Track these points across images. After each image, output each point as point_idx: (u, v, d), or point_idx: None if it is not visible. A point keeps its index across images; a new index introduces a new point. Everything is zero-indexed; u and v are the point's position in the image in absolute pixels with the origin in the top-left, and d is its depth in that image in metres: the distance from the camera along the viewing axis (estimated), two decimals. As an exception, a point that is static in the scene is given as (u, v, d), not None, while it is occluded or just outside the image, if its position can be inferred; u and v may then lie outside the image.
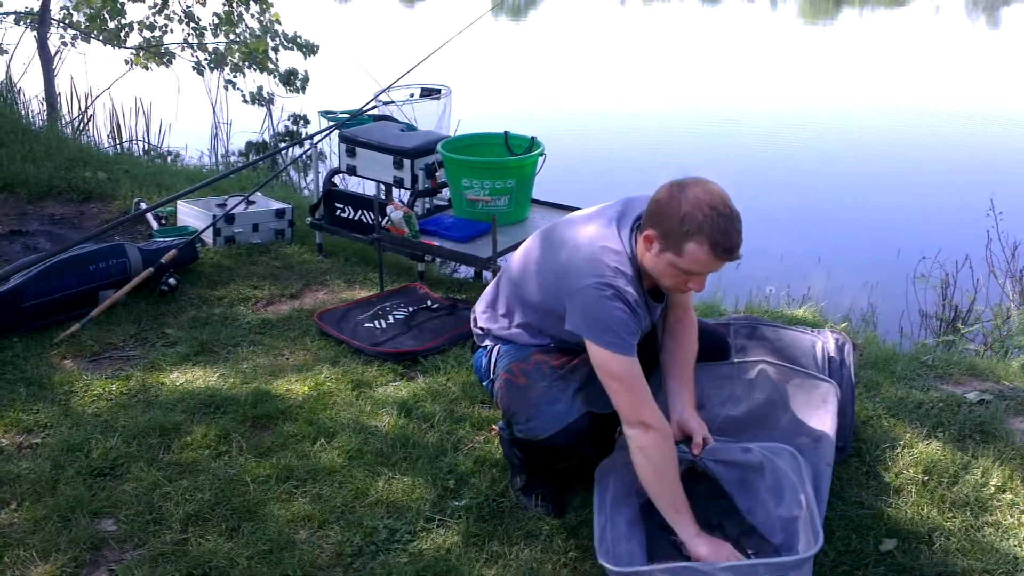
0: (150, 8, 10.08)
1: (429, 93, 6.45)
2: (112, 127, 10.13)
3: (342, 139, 5.53)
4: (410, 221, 4.77)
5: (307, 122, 10.93)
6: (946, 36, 22.29)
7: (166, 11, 10.12)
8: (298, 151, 8.85)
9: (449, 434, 3.47)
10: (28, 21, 9.79)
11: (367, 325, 4.36)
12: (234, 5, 10.07)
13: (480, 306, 3.12)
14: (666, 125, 11.87)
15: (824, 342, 3.47)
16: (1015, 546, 2.85)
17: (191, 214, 5.62)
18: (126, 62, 10.26)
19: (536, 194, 5.16)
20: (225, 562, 2.77)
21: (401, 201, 5.23)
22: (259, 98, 10.48)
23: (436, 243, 4.78)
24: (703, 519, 2.78)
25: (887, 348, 4.35)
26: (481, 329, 3.08)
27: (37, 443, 3.43)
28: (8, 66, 9.91)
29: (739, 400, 3.13)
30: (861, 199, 8.75)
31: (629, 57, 17.62)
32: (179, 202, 5.69)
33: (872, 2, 29.73)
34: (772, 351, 3.43)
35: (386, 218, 4.77)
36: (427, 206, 5.73)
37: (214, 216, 5.39)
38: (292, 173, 9.01)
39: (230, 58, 10.25)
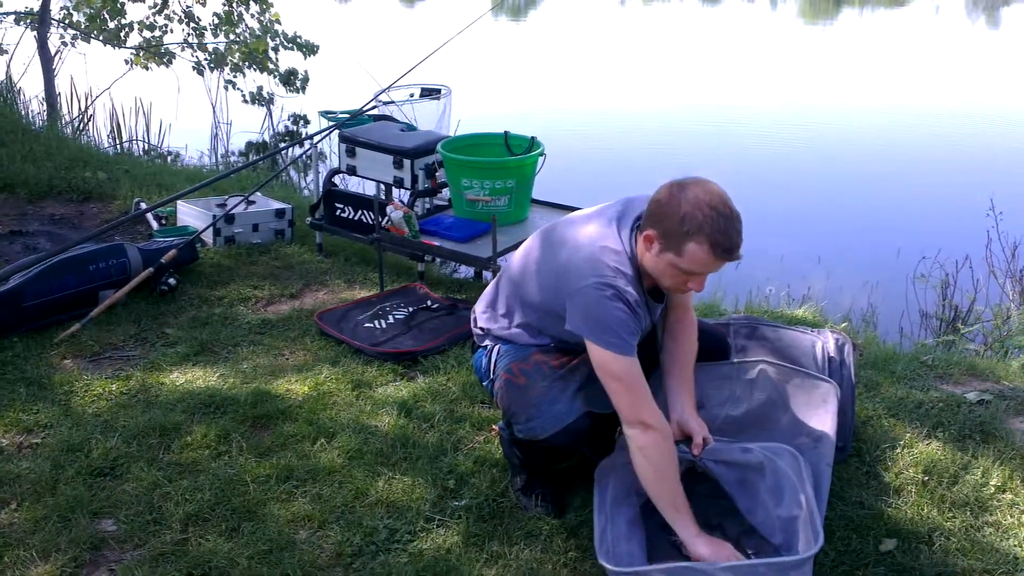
0: (150, 8, 10.08)
1: (429, 93, 6.45)
2: (112, 127, 10.13)
3: (342, 139, 5.53)
4: (410, 221, 4.77)
5: (307, 122, 10.93)
6: (946, 36, 22.29)
7: (166, 11, 10.12)
8: (298, 151, 8.85)
9: (449, 434, 3.47)
10: (28, 21, 9.79)
11: (367, 325, 4.36)
12: (234, 5, 10.07)
13: (480, 306, 3.12)
14: (666, 125, 11.87)
15: (824, 342, 3.47)
16: (1015, 546, 2.85)
17: (191, 214, 5.61)
18: (126, 62, 10.26)
19: (536, 194, 5.16)
20: (225, 562, 2.77)
21: (401, 201, 5.23)
22: (259, 98, 10.48)
23: (436, 243, 4.78)
24: (703, 519, 2.78)
25: (887, 348, 4.35)
26: (481, 329, 3.08)
27: (37, 443, 3.43)
28: (8, 66, 9.93)
29: (739, 400, 3.12)
30: (861, 199, 8.75)
31: (629, 57, 17.62)
32: (179, 202, 5.69)
33: (872, 2, 29.73)
34: (772, 351, 3.43)
35: (386, 218, 4.77)
36: (427, 206, 5.73)
37: (214, 216, 5.38)
38: (292, 173, 9.01)
39: (230, 58, 10.24)
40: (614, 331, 2.59)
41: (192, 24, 10.21)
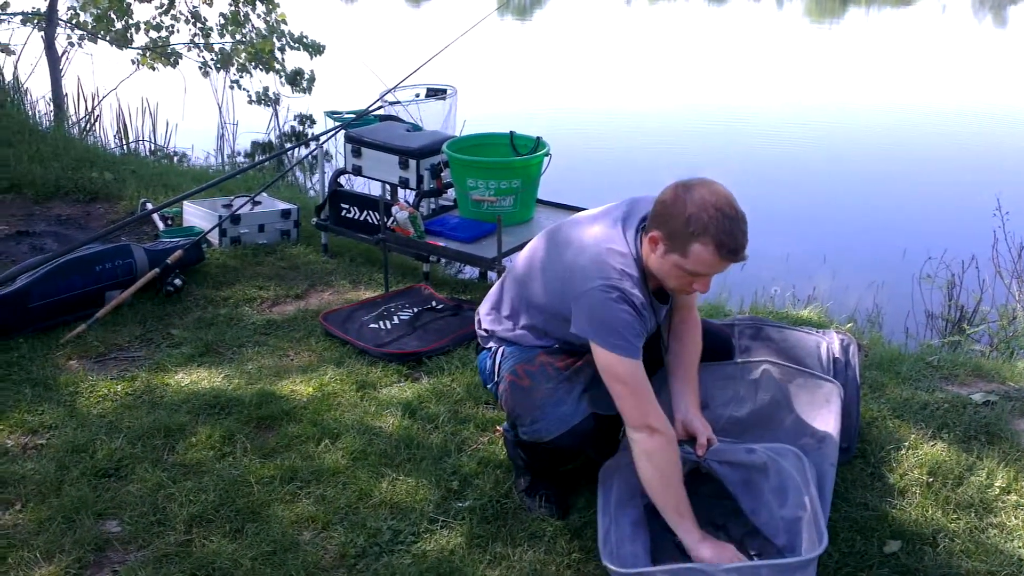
0: (157, 8, 10.09)
1: (435, 93, 6.46)
2: (119, 127, 10.15)
3: (348, 139, 5.54)
4: (415, 221, 4.77)
5: (313, 122, 10.95)
6: (953, 35, 22.24)
7: (172, 11, 10.13)
8: (304, 152, 8.86)
9: (453, 435, 3.48)
10: (35, 22, 9.80)
11: (372, 326, 4.37)
12: (240, 5, 10.08)
13: (484, 308, 3.12)
14: (672, 125, 11.86)
15: (829, 343, 3.47)
16: (1020, 547, 2.85)
17: (197, 215, 5.62)
18: (133, 62, 10.27)
19: (541, 194, 5.16)
20: (229, 563, 2.77)
21: (406, 201, 5.24)
22: (265, 98, 10.50)
23: (441, 243, 4.78)
24: (707, 519, 2.79)
25: (892, 349, 4.34)
26: (485, 331, 3.07)
27: (42, 444, 3.44)
28: (15, 67, 9.96)
29: (743, 400, 3.12)
30: (867, 199, 8.73)
31: (635, 57, 17.60)
32: (185, 203, 5.69)
33: (878, 1, 29.68)
34: (777, 352, 3.42)
35: (391, 218, 4.77)
36: (432, 206, 5.74)
37: (220, 217, 5.39)
38: (298, 173, 9.02)
39: (236, 58, 10.25)
40: (620, 334, 2.59)
41: (198, 24, 10.22)
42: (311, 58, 10.30)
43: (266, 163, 8.42)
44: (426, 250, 4.89)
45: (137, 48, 10.18)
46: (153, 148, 9.86)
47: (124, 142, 9.97)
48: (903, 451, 3.31)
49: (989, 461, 3.25)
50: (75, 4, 10.31)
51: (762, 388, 3.12)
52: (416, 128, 5.81)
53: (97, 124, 10.14)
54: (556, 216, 4.90)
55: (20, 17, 9.84)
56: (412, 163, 5.22)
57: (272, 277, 5.10)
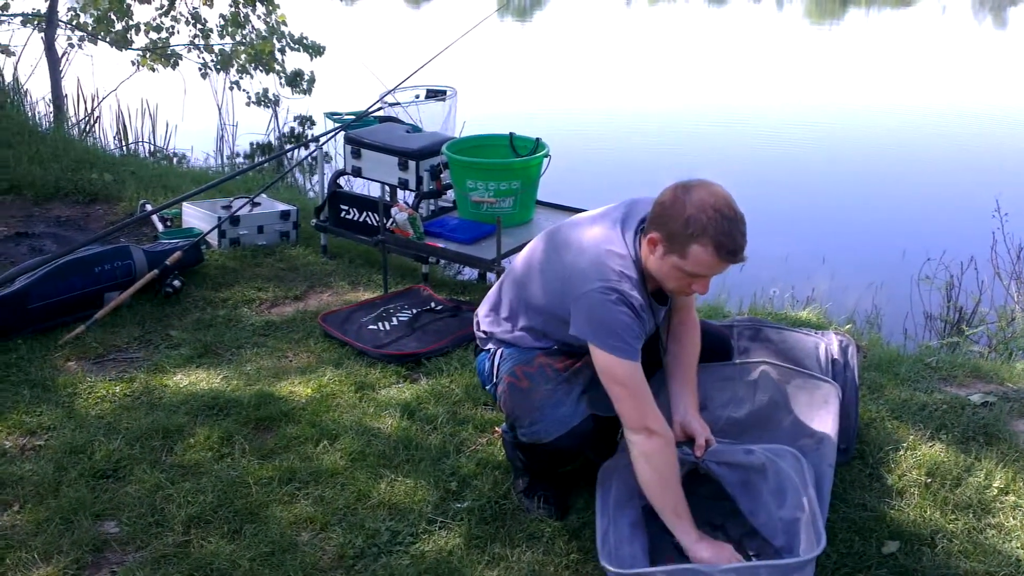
0: (157, 10, 10.10)
1: (435, 94, 6.46)
2: (118, 129, 10.16)
3: (347, 141, 5.54)
4: (415, 223, 4.77)
5: (313, 124, 10.95)
6: (953, 36, 22.25)
7: (172, 13, 10.13)
8: (303, 153, 8.86)
9: (452, 436, 3.48)
10: (35, 23, 9.80)
11: (371, 327, 4.37)
12: (240, 7, 10.08)
13: (483, 309, 3.12)
14: (671, 126, 11.86)
15: (828, 344, 3.47)
16: (1018, 548, 2.85)
17: (196, 216, 5.62)
18: (133, 64, 10.27)
19: (541, 195, 5.16)
20: (227, 564, 2.77)
21: (406, 203, 5.24)
22: (265, 100, 10.50)
23: (440, 245, 4.78)
24: (706, 520, 2.79)
25: (891, 350, 4.34)
26: (484, 333, 3.07)
27: (40, 445, 3.44)
28: (15, 68, 9.96)
29: (741, 401, 3.12)
30: (866, 200, 8.73)
31: (635, 58, 17.60)
32: (184, 204, 5.69)
33: (878, 2, 29.68)
34: (776, 353, 3.42)
35: (391, 220, 4.78)
36: (432, 208, 5.74)
37: (219, 218, 5.39)
38: (297, 175, 9.02)
39: (236, 60, 10.26)
40: (619, 335, 2.59)
41: (198, 26, 10.22)
42: (311, 59, 10.31)
43: (265, 164, 8.42)
44: (425, 251, 4.89)
45: (137, 49, 10.18)
46: (153, 149, 9.86)
47: (124, 143, 9.98)
48: (901, 452, 3.31)
49: (987, 462, 3.25)
50: (75, 5, 10.32)
51: (760, 389, 3.12)
52: (416, 129, 5.81)
53: (97, 125, 10.15)
54: (555, 217, 4.90)
55: (20, 18, 9.85)
56: (411, 164, 5.22)
57: (271, 278, 5.10)
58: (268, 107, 10.60)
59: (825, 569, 2.73)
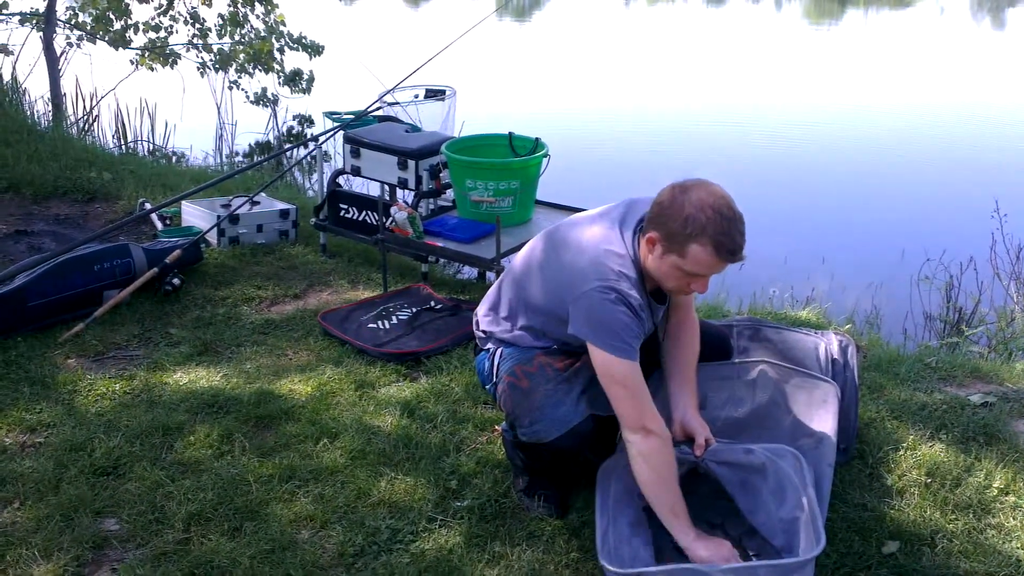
0: (155, 9, 10.09)
1: (434, 94, 6.46)
2: (117, 127, 10.15)
3: (347, 140, 5.54)
4: (414, 222, 4.77)
5: (312, 123, 10.94)
6: (951, 37, 22.26)
7: (171, 12, 10.12)
8: (303, 152, 8.86)
9: (452, 435, 3.48)
10: (34, 22, 9.79)
11: (371, 326, 4.37)
12: (239, 6, 10.07)
13: (482, 309, 3.12)
14: (670, 126, 11.87)
15: (827, 344, 3.47)
16: (1018, 548, 2.85)
17: (195, 214, 5.62)
18: (131, 63, 10.26)
19: (540, 195, 5.16)
20: (227, 562, 2.77)
21: (405, 202, 5.24)
22: (264, 99, 10.49)
23: (440, 244, 4.79)
24: (705, 520, 2.79)
25: (891, 350, 4.35)
26: (483, 332, 3.07)
27: (40, 442, 3.44)
28: (14, 67, 9.93)
29: (740, 401, 3.13)
30: (865, 200, 8.73)
31: (634, 58, 17.61)
32: (183, 202, 5.70)
33: (877, 3, 29.69)
34: (775, 353, 3.42)
35: (390, 219, 4.78)
36: (431, 207, 5.74)
37: (218, 216, 5.39)
38: (296, 174, 9.02)
39: (235, 59, 10.25)
40: (617, 335, 2.59)
41: (197, 25, 10.22)
42: (310, 59, 10.30)
43: (265, 163, 8.41)
44: (425, 250, 4.89)
45: (136, 49, 10.17)
46: (152, 148, 9.86)
47: (123, 142, 9.97)
48: (901, 452, 3.32)
49: (987, 462, 3.25)
50: (74, 4, 10.30)
51: (759, 388, 3.12)
52: (415, 129, 5.81)
53: (96, 124, 10.14)
54: (555, 217, 4.90)
55: (18, 17, 9.83)
56: (411, 164, 5.22)
57: (270, 277, 5.10)
58: (267, 106, 10.59)
59: (825, 569, 2.73)
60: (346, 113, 5.91)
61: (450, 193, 5.30)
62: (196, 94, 10.55)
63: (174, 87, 10.33)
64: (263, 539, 2.88)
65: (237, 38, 10.25)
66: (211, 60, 10.32)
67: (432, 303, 4.63)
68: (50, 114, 9.39)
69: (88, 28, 10.04)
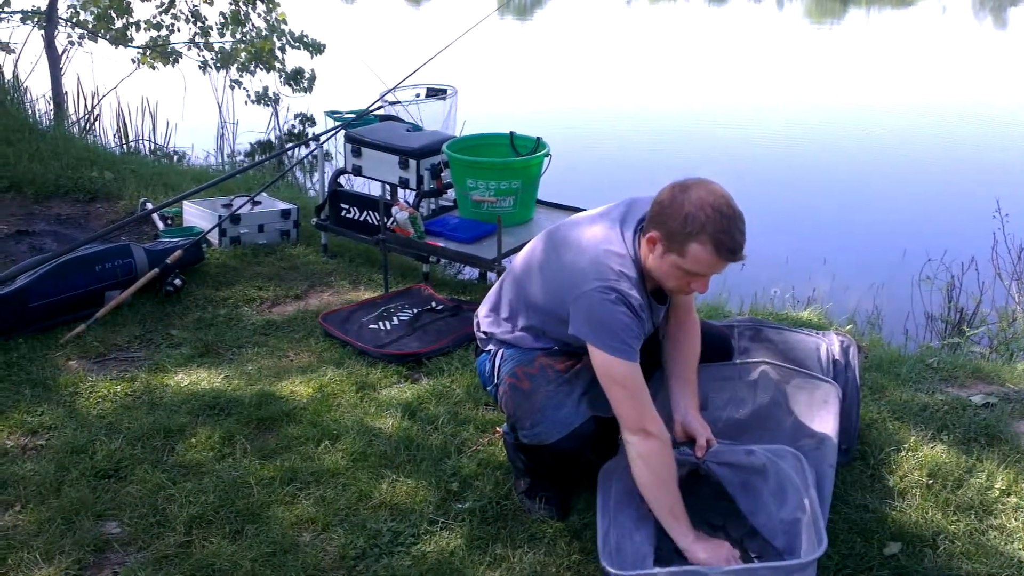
0: (157, 7, 10.09)
1: (435, 93, 6.46)
2: (118, 127, 10.15)
3: (348, 139, 5.54)
4: (415, 222, 4.77)
5: (313, 122, 10.94)
6: (953, 36, 22.24)
7: (173, 10, 10.12)
8: (304, 151, 8.86)
9: (453, 436, 3.48)
10: (35, 20, 9.79)
11: (372, 326, 4.37)
12: (241, 4, 10.07)
13: (483, 310, 3.12)
14: (671, 125, 11.86)
15: (829, 344, 3.47)
16: (1020, 549, 2.85)
17: (197, 214, 5.62)
18: (133, 61, 10.27)
19: (541, 195, 5.16)
20: (229, 564, 2.77)
21: (406, 202, 5.24)
22: (265, 98, 10.49)
23: (441, 244, 4.78)
24: (706, 521, 2.79)
25: (892, 351, 4.34)
26: (484, 333, 3.07)
27: (41, 445, 3.44)
28: (15, 65, 9.93)
29: (742, 402, 3.12)
30: (866, 200, 8.72)
31: (635, 57, 17.59)
32: (185, 202, 5.69)
33: (879, 2, 29.66)
34: (776, 354, 3.42)
35: (391, 219, 4.77)
36: (432, 207, 5.74)
37: (220, 217, 5.39)
38: (298, 173, 9.02)
39: (236, 58, 10.25)
40: (618, 335, 2.59)
41: (199, 23, 10.22)
42: (311, 57, 10.30)
43: (266, 163, 8.41)
44: (426, 251, 4.89)
45: (137, 47, 10.17)
46: (153, 147, 9.86)
47: (124, 141, 9.97)
48: (903, 453, 3.31)
49: (989, 463, 3.25)
50: (75, 3, 10.30)
51: (761, 389, 3.12)
52: (416, 128, 5.81)
53: (97, 123, 10.14)
54: (556, 217, 4.90)
55: (20, 15, 9.84)
56: (412, 163, 5.22)
57: (272, 277, 5.10)
58: (268, 105, 10.59)
59: (827, 570, 2.73)
60: (347, 112, 5.91)
61: (451, 193, 5.30)
62: (197, 93, 10.56)
63: (175, 86, 10.33)
64: (264, 542, 2.88)
65: (239, 37, 10.25)
66: (212, 59, 10.32)
67: (433, 304, 4.63)
68: (51, 113, 9.39)
69: (90, 26, 10.04)
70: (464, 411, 3.66)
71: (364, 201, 5.35)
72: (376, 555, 2.85)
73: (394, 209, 4.78)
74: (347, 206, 5.39)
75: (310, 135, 9.88)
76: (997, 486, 3.13)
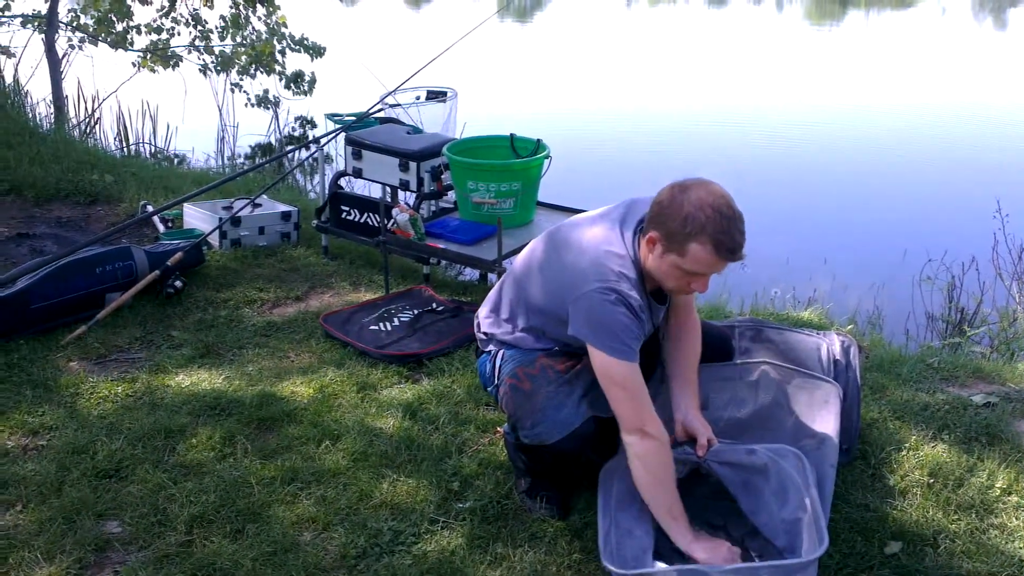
0: (157, 11, 10.10)
1: (435, 96, 6.46)
2: (119, 130, 10.15)
3: (348, 142, 5.54)
4: (416, 224, 4.77)
5: (313, 125, 10.94)
6: (953, 37, 22.24)
7: (173, 14, 10.13)
8: (304, 154, 8.86)
9: (454, 436, 3.48)
10: (36, 24, 9.80)
11: (372, 327, 4.37)
12: (241, 8, 10.08)
13: (483, 311, 3.12)
14: (671, 126, 11.86)
15: (829, 344, 3.47)
16: (1020, 548, 2.85)
17: (197, 217, 5.63)
18: (133, 65, 10.27)
19: (542, 196, 5.16)
20: (229, 564, 2.78)
21: (407, 204, 5.24)
22: (265, 101, 10.49)
23: (441, 246, 4.78)
24: (707, 521, 2.79)
25: (893, 350, 4.35)
26: (484, 334, 3.07)
27: (43, 445, 3.44)
28: (16, 69, 9.94)
29: (743, 402, 3.12)
30: (867, 200, 8.72)
31: (635, 59, 17.60)
32: (185, 205, 5.70)
33: (878, 4, 29.67)
34: (777, 354, 3.42)
35: (392, 221, 4.78)
36: (433, 209, 5.73)
37: (220, 219, 5.39)
38: (298, 176, 9.02)
39: (236, 61, 10.25)
40: (617, 336, 2.59)
41: (199, 27, 10.22)
42: (311, 60, 10.30)
43: (266, 165, 8.42)
44: (426, 252, 4.89)
45: (138, 51, 10.18)
46: (153, 150, 9.86)
47: (124, 144, 9.97)
48: (904, 452, 3.32)
49: (990, 462, 3.25)
50: (76, 7, 10.30)
51: (762, 389, 3.12)
52: (416, 130, 5.81)
53: (97, 126, 10.15)
54: (556, 218, 4.89)
55: (21, 19, 9.84)
56: (412, 165, 5.22)
57: (272, 279, 5.11)
58: (269, 108, 10.59)
59: (828, 570, 2.73)
60: (348, 115, 5.91)
61: (451, 195, 5.31)
62: (198, 96, 10.56)
63: (176, 89, 10.33)
64: (265, 541, 2.88)
65: (239, 40, 10.25)
66: (213, 62, 10.33)
67: (434, 305, 4.63)
68: (52, 116, 9.39)
69: (90, 30, 10.05)
70: (465, 411, 3.66)
71: (364, 203, 5.36)
72: (377, 554, 2.85)
73: (394, 211, 4.78)
74: (347, 208, 5.39)
75: (310, 138, 9.88)
76: (998, 485, 3.14)
